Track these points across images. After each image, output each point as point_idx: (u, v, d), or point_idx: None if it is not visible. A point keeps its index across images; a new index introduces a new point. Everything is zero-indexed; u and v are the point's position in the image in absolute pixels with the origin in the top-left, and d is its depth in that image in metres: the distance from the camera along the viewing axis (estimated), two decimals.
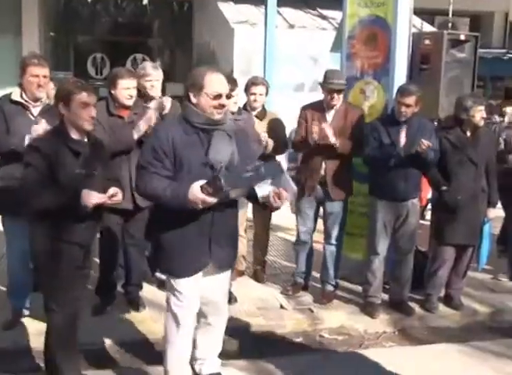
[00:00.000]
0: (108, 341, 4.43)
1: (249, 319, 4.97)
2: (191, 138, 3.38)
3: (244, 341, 4.69)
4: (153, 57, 11.80)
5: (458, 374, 4.24)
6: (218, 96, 3.36)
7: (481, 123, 5.19)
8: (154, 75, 4.99)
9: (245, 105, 5.54)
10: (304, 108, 5.39)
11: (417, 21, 9.44)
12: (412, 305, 5.36)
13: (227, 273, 3.74)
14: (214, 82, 3.37)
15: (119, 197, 3.57)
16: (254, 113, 5.50)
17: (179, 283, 3.51)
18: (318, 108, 5.28)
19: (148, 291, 5.29)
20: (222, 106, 3.39)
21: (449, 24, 9.54)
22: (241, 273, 5.83)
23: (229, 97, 3.45)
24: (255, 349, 4.59)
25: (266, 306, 5.27)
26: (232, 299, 5.14)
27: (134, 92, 4.72)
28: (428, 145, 4.75)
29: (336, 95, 5.12)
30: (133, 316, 4.84)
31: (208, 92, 3.35)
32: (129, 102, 4.71)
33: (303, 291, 5.58)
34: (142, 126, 4.61)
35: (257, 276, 5.84)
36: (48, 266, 3.50)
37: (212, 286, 3.62)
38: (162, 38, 12.60)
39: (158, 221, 3.58)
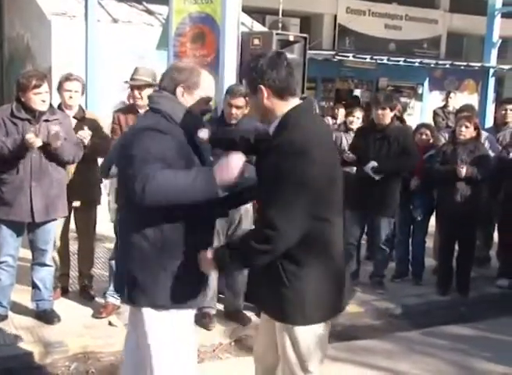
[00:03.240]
0: None
1: (75, 339, 4.90)
2: None
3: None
4: None
5: None
6: (209, 101, 3.17)
7: None
8: None
9: (60, 105, 5.40)
10: (117, 112, 5.41)
11: (247, 20, 9.79)
12: (248, 313, 5.53)
13: None
14: (210, 85, 3.14)
15: None
16: (72, 114, 5.39)
17: None
18: (132, 111, 5.26)
19: None
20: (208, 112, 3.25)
21: (280, 24, 9.98)
22: (66, 290, 5.75)
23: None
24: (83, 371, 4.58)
25: (94, 324, 5.22)
26: (55, 319, 5.06)
27: None
28: None
29: (136, 93, 5.14)
30: None
31: (203, 95, 3.09)
32: None
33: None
34: None
35: (85, 293, 5.75)
36: None
37: None
38: None
39: None
